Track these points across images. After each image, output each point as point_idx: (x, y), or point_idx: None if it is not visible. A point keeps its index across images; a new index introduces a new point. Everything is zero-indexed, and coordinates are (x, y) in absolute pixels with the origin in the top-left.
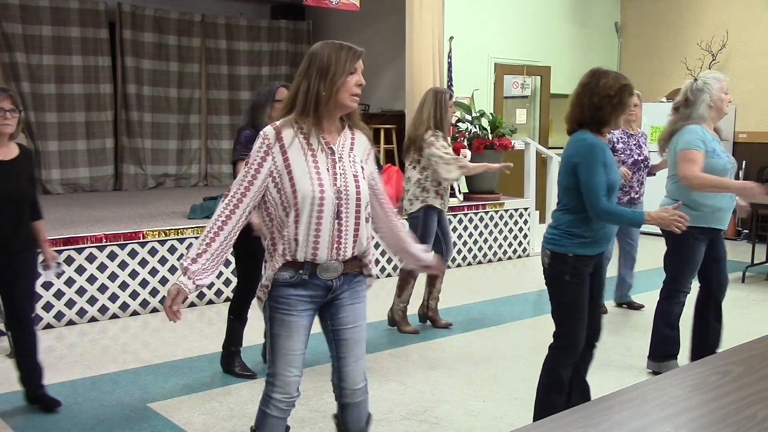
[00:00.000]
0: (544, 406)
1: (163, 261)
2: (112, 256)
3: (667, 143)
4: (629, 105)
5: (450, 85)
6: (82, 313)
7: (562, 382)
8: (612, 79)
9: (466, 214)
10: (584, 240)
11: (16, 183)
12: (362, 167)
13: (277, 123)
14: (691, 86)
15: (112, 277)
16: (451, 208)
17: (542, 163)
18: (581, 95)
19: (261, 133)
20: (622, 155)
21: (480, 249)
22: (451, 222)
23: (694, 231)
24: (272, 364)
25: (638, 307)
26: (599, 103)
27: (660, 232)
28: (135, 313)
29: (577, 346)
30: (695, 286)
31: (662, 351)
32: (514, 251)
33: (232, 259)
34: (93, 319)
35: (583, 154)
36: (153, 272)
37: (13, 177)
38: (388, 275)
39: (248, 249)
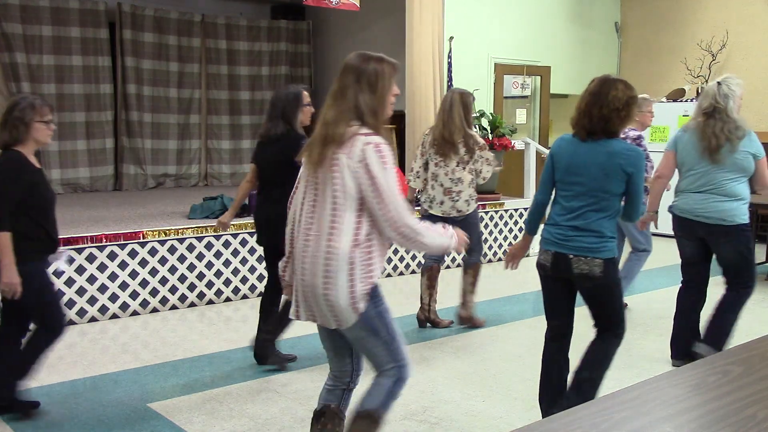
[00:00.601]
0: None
1: (163, 261)
2: (112, 256)
3: (724, 147)
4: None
5: (450, 85)
6: (82, 313)
7: (610, 364)
8: (621, 91)
9: None
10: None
11: (52, 189)
12: None
13: (371, 132)
14: (718, 91)
15: (112, 277)
16: None
17: (542, 163)
18: (591, 105)
19: (386, 146)
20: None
21: None
22: None
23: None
24: (397, 352)
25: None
26: (608, 115)
27: (668, 233)
28: (135, 313)
29: None
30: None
31: (725, 340)
32: None
33: (233, 260)
34: (93, 319)
35: (636, 164)
36: (153, 272)
37: (48, 184)
38: (388, 275)
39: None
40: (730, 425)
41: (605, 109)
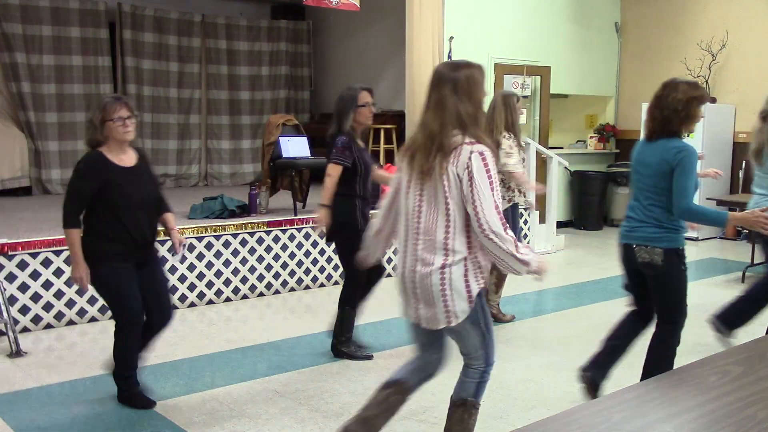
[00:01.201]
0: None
1: (163, 261)
2: None
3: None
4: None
5: None
6: (82, 313)
7: (674, 354)
8: (681, 92)
9: None
10: (683, 232)
11: (144, 188)
12: None
13: (476, 140)
14: None
15: None
16: None
17: (542, 163)
18: (653, 108)
19: (491, 154)
20: None
21: None
22: None
23: None
24: (489, 340)
25: None
26: (668, 116)
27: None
28: None
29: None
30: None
31: None
32: None
33: (233, 260)
34: (93, 319)
35: (678, 160)
36: None
37: (140, 182)
38: (388, 275)
39: (351, 244)
40: (730, 425)
41: (665, 111)
